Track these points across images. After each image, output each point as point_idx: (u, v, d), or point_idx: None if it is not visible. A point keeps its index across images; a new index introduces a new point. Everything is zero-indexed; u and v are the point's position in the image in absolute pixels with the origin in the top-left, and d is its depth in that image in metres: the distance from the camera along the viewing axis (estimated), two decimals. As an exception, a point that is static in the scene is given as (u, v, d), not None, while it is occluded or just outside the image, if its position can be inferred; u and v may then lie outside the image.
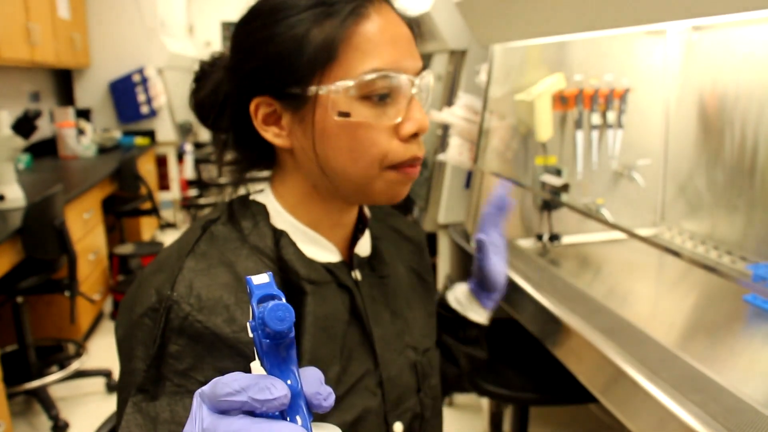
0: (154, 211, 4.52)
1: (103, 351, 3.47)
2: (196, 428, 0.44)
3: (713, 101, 1.75)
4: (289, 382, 0.44)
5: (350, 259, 0.84)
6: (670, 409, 0.99)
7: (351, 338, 0.79)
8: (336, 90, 0.69)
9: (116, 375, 2.90)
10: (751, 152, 1.61)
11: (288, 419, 0.44)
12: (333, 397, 0.47)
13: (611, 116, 1.86)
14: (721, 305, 1.45)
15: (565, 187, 1.77)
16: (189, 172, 6.23)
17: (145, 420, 0.65)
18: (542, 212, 1.92)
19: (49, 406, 2.78)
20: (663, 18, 1.34)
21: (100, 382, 3.13)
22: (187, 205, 6.20)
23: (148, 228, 5.12)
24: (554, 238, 1.89)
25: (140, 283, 0.72)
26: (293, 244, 0.77)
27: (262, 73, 0.72)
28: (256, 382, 0.42)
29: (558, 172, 1.84)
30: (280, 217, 0.79)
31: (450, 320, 1.07)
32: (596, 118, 1.84)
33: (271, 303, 0.42)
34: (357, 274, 0.83)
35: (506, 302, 1.70)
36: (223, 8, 7.84)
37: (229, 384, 0.43)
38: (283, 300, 0.44)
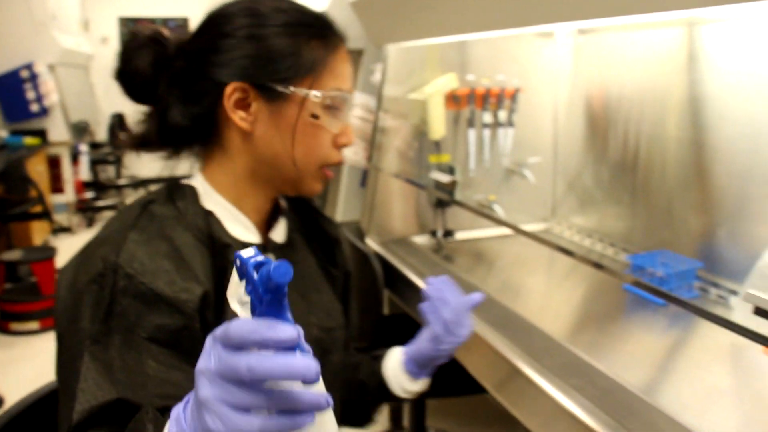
0: (45, 214, 4.30)
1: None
2: (212, 361, 0.49)
3: (599, 101, 1.84)
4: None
5: (267, 243, 0.96)
6: (549, 392, 1.05)
7: None
8: (314, 96, 0.86)
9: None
10: (634, 150, 1.70)
11: None
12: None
13: (503, 115, 1.91)
14: (606, 295, 1.53)
15: (452, 184, 1.81)
16: (85, 174, 5.95)
17: (103, 367, 0.72)
18: (436, 209, 1.95)
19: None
20: (546, 20, 1.39)
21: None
22: (84, 207, 5.92)
23: (39, 232, 4.86)
24: (448, 234, 1.93)
25: (85, 256, 0.81)
26: (219, 222, 0.89)
27: (250, 63, 0.85)
28: (267, 324, 0.47)
29: (451, 170, 1.88)
30: (209, 197, 0.90)
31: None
32: (488, 117, 1.89)
33: (273, 263, 0.47)
34: (271, 257, 0.90)
35: (400, 298, 1.72)
36: (121, 3, 7.56)
37: (242, 325, 0.47)
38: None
